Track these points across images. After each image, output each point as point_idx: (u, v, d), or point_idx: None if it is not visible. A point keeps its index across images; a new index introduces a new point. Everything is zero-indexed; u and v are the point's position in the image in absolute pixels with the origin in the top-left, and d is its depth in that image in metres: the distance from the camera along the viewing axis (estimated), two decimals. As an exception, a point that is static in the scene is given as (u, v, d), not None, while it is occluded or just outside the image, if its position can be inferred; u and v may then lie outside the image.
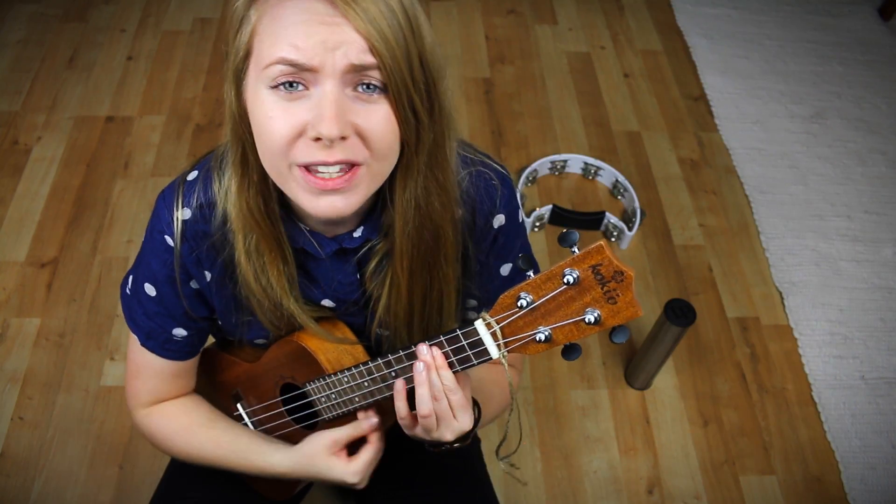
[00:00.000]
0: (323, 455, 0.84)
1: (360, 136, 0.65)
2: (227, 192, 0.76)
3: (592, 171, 2.06)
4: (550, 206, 1.92)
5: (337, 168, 0.65)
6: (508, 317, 0.67)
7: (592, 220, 1.94)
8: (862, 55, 2.50)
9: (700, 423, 1.64)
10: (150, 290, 0.84)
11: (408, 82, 0.64)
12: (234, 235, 0.76)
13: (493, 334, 0.68)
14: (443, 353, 0.72)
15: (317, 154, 0.64)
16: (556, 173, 2.09)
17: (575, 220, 1.94)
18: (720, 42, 2.50)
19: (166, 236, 0.79)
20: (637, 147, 2.17)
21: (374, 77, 0.63)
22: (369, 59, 0.62)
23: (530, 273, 0.65)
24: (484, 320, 0.68)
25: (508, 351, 0.69)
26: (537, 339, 0.66)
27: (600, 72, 2.38)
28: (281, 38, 0.61)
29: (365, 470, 0.84)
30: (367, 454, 0.84)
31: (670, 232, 1.97)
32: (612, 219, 1.91)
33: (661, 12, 2.60)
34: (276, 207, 0.75)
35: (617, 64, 2.41)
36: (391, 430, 0.94)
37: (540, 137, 2.17)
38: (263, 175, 0.71)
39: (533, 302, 0.64)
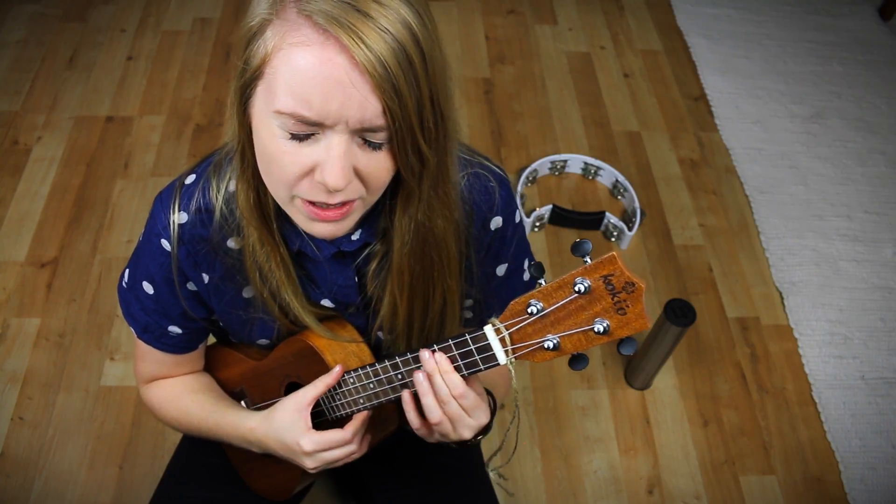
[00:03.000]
0: (288, 410, 0.82)
1: (359, 177, 0.66)
2: (226, 192, 0.76)
3: (592, 171, 2.06)
4: (550, 206, 1.92)
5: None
6: (518, 323, 0.67)
7: (592, 220, 1.93)
8: (862, 55, 2.50)
9: (700, 423, 1.64)
10: (148, 288, 0.84)
11: (416, 132, 0.63)
12: (247, 223, 0.76)
13: (502, 340, 0.69)
14: (450, 357, 0.72)
15: (320, 195, 0.65)
16: (556, 173, 2.09)
17: (575, 220, 1.93)
18: (720, 42, 2.50)
19: (163, 240, 0.79)
20: (637, 147, 2.17)
21: (383, 132, 0.63)
22: (381, 121, 0.61)
23: (542, 281, 0.65)
24: (493, 326, 0.69)
25: (516, 357, 0.69)
26: (545, 346, 0.66)
27: (600, 72, 2.38)
28: (296, 90, 0.60)
29: (322, 445, 0.80)
30: (334, 434, 0.81)
31: (670, 232, 1.97)
32: (612, 219, 1.91)
33: (661, 12, 2.60)
34: (269, 203, 0.75)
35: (617, 64, 2.41)
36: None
37: (540, 137, 2.17)
38: (258, 174, 0.71)
39: (543, 309, 0.65)
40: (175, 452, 1.11)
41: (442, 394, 0.72)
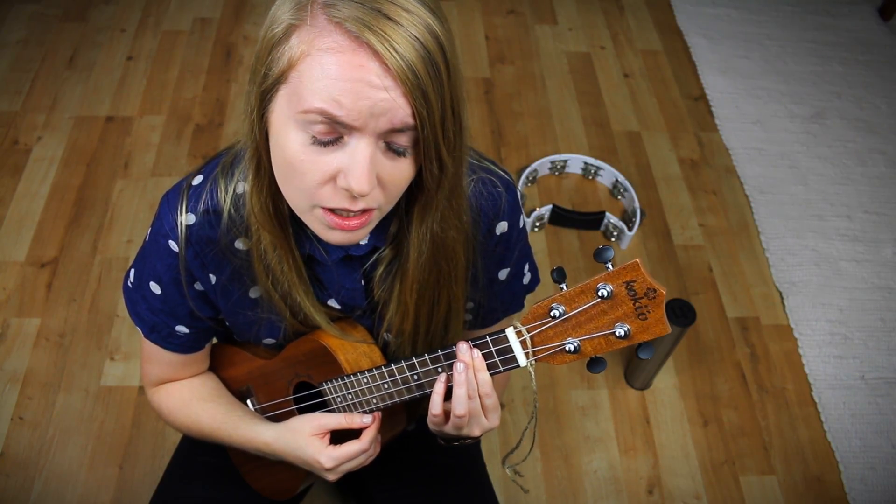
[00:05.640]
0: (306, 433, 0.84)
1: (381, 185, 0.66)
2: (234, 193, 0.76)
3: (592, 171, 2.06)
4: (550, 206, 1.92)
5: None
6: (539, 326, 0.68)
7: (592, 220, 1.94)
8: (862, 55, 2.50)
9: (700, 423, 1.64)
10: (155, 288, 0.84)
11: (439, 139, 0.64)
12: (259, 228, 0.76)
13: (523, 342, 0.69)
14: None
15: (343, 202, 0.65)
16: (556, 173, 2.09)
17: (575, 220, 1.94)
18: (720, 42, 2.50)
19: (170, 241, 0.79)
20: (637, 147, 2.17)
21: (409, 135, 0.63)
22: (410, 122, 0.62)
23: (563, 286, 0.66)
24: (515, 328, 0.69)
25: (536, 360, 0.70)
26: (566, 349, 0.68)
27: (600, 72, 2.38)
28: (325, 90, 0.59)
29: (341, 460, 0.82)
30: (352, 447, 0.82)
31: (670, 232, 1.97)
32: (612, 219, 1.91)
33: (661, 12, 2.60)
34: (285, 209, 0.75)
35: (617, 64, 2.41)
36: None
37: (540, 137, 2.17)
38: (275, 181, 0.71)
39: (565, 313, 0.66)
40: (175, 452, 1.12)
41: (472, 388, 0.73)
